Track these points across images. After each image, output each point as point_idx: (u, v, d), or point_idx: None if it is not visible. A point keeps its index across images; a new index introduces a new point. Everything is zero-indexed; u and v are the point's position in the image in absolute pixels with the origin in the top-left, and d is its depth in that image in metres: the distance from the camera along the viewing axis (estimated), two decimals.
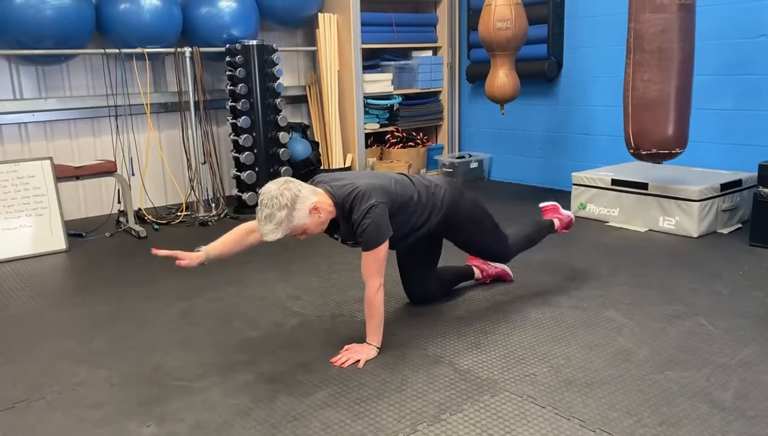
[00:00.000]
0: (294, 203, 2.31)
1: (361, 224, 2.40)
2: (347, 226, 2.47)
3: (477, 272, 3.23)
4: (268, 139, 4.95)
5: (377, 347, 2.51)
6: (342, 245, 2.69)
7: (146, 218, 4.74)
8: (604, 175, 4.44)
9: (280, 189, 2.31)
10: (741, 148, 4.40)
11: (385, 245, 2.44)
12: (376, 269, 2.44)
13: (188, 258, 2.52)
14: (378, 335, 2.51)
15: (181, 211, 4.96)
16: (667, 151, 3.90)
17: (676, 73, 3.79)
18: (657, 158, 3.96)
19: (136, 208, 4.69)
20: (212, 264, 3.74)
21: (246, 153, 4.85)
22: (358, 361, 2.44)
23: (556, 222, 3.30)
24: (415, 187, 2.66)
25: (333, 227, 2.54)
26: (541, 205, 3.41)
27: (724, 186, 4.07)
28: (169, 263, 3.79)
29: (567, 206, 4.63)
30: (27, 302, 3.26)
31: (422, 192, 2.66)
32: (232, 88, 4.86)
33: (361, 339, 2.55)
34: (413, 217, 2.63)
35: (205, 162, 5.03)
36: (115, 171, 4.48)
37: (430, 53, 6.21)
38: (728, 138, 4.48)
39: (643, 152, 3.95)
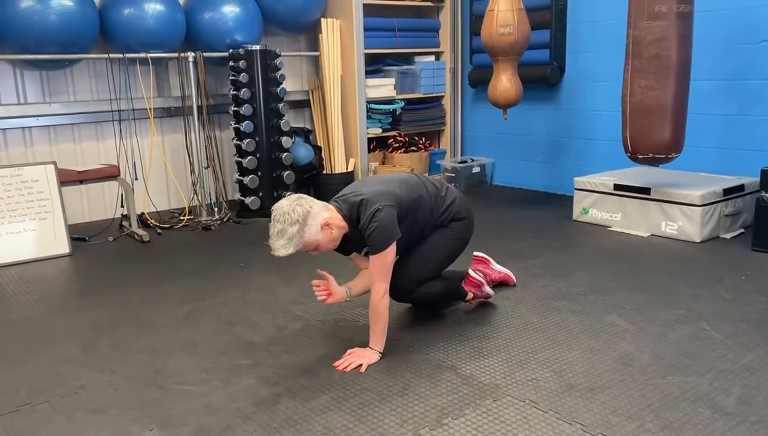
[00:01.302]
0: (306, 219, 2.34)
1: (368, 229, 2.42)
2: (357, 233, 2.50)
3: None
4: (271, 144, 4.96)
5: (380, 352, 2.51)
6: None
7: (149, 222, 4.75)
8: (606, 179, 4.44)
9: (292, 205, 2.35)
10: (744, 153, 4.40)
11: (392, 248, 2.45)
12: (382, 274, 2.46)
13: (335, 295, 2.60)
14: (381, 340, 2.52)
15: (184, 216, 4.97)
16: (664, 156, 3.97)
17: (673, 79, 3.84)
18: (653, 162, 4.05)
19: (139, 213, 4.71)
20: (213, 266, 3.78)
21: (249, 157, 4.86)
22: (361, 365, 2.44)
23: (470, 295, 2.97)
24: (423, 184, 2.71)
25: (347, 246, 2.57)
26: (475, 254, 3.19)
27: (727, 191, 4.07)
28: (170, 266, 3.85)
29: (569, 211, 4.65)
30: (30, 306, 3.26)
31: (431, 190, 2.71)
32: (235, 92, 4.87)
33: (363, 343, 2.55)
34: (425, 215, 2.66)
35: (208, 166, 5.04)
36: (119, 175, 4.49)
37: (432, 58, 6.21)
38: (731, 143, 4.47)
39: (640, 156, 4.04)
